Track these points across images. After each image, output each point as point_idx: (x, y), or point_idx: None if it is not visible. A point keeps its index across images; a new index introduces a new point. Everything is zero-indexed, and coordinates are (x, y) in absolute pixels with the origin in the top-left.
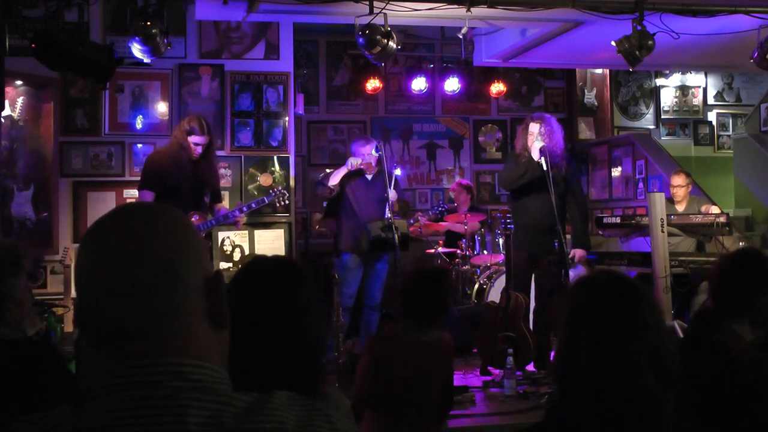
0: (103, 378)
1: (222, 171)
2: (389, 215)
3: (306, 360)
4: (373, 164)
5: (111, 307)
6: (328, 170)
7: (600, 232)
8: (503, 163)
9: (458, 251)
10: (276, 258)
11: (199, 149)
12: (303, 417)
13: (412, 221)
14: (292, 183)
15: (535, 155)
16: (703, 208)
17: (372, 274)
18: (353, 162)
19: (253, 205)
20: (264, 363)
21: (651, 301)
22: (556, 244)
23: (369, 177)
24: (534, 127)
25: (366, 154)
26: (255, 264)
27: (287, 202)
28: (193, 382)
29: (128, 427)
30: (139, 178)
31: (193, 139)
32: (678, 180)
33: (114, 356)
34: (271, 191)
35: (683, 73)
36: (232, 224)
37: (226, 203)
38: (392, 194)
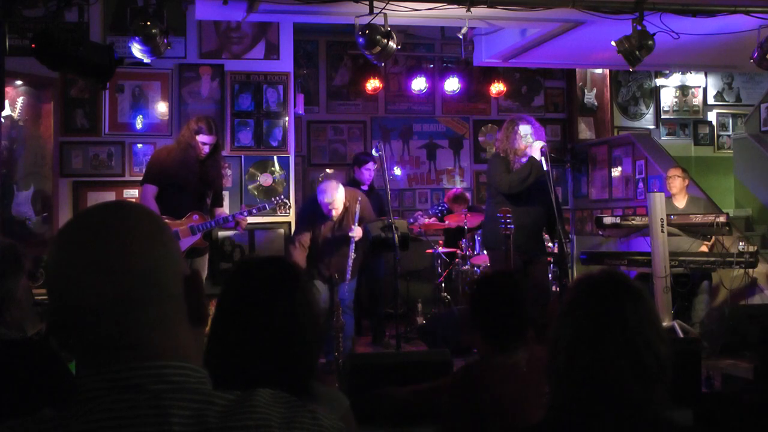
0: (85, 383)
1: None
2: (353, 255)
3: (300, 359)
4: (331, 215)
5: (91, 323)
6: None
7: (600, 232)
8: (490, 167)
9: (458, 251)
10: (268, 258)
11: (207, 148)
12: (287, 414)
13: (411, 221)
14: (292, 183)
15: (537, 155)
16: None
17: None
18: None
19: (254, 211)
20: (258, 363)
21: (638, 299)
22: (555, 244)
23: (333, 218)
24: (526, 129)
25: (326, 202)
26: (247, 264)
27: (288, 211)
28: (175, 383)
29: (111, 429)
30: (139, 178)
31: (201, 138)
32: (674, 171)
33: (95, 364)
34: (273, 198)
35: (683, 73)
36: (232, 228)
37: (226, 203)
38: (357, 232)
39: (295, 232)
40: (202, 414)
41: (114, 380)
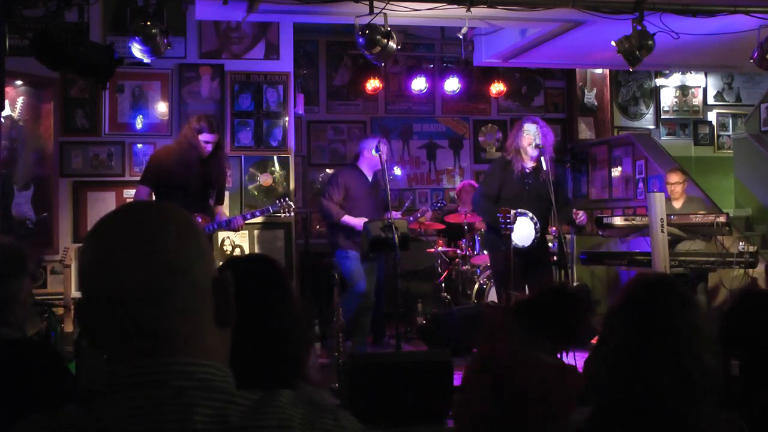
0: (109, 377)
1: None
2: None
3: (285, 357)
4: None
5: (120, 310)
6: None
7: (600, 232)
8: (487, 171)
9: (458, 251)
10: (253, 256)
11: (209, 147)
12: (309, 415)
13: (412, 219)
14: (292, 183)
15: (534, 153)
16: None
17: (369, 274)
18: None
19: (258, 214)
20: (245, 362)
21: (688, 307)
22: (555, 245)
23: (369, 178)
24: (531, 128)
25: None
26: (233, 264)
27: (292, 214)
28: (199, 381)
29: (135, 425)
30: (139, 178)
31: (203, 137)
32: (674, 177)
33: (120, 356)
34: (277, 201)
35: (683, 73)
36: (234, 229)
37: (226, 203)
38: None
39: (327, 197)
40: (224, 413)
41: (139, 375)
